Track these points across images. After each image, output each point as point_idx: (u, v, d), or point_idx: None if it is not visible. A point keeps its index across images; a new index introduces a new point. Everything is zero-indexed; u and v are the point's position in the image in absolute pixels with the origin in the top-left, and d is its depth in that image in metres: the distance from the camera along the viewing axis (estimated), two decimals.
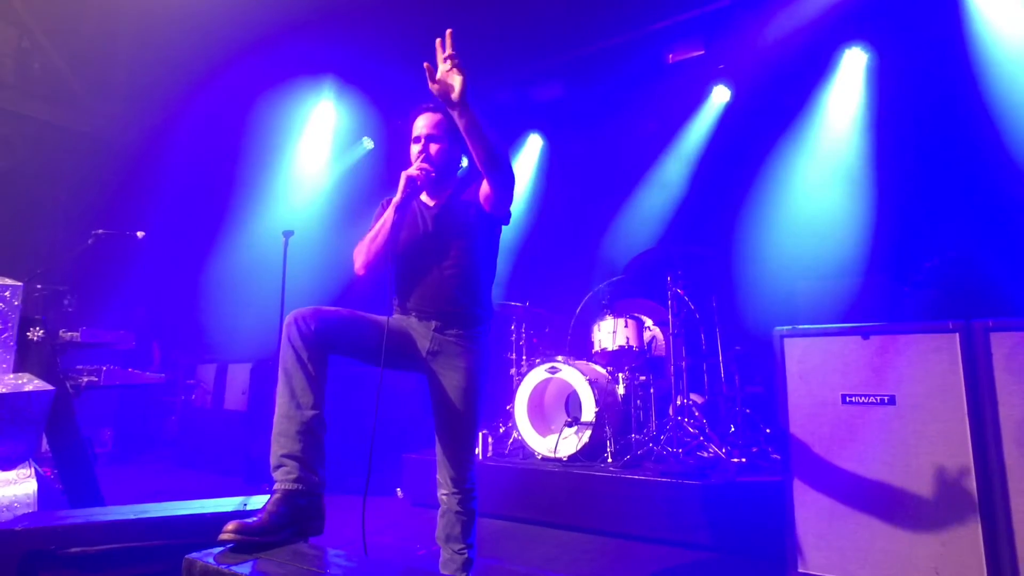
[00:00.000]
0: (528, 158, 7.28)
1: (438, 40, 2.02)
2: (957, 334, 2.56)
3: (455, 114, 2.05)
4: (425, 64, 2.02)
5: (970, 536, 2.43)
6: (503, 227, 2.45)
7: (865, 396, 2.70)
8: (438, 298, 2.29)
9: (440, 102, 2.25)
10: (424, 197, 2.45)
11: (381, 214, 2.38)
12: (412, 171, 2.26)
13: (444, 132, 2.36)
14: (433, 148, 2.35)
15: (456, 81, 2.00)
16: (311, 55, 6.44)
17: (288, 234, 5.25)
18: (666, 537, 3.61)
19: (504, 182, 2.23)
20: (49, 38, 6.58)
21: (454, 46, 2.01)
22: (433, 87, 2.02)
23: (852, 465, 2.68)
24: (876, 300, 4.82)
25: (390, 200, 2.32)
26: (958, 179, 4.76)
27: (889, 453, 2.61)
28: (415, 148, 2.37)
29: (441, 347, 2.28)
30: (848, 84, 5.53)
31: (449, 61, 2.01)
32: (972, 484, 2.45)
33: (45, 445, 3.13)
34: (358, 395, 4.74)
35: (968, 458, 2.47)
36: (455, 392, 2.26)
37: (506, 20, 5.79)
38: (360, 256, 2.33)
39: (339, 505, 2.46)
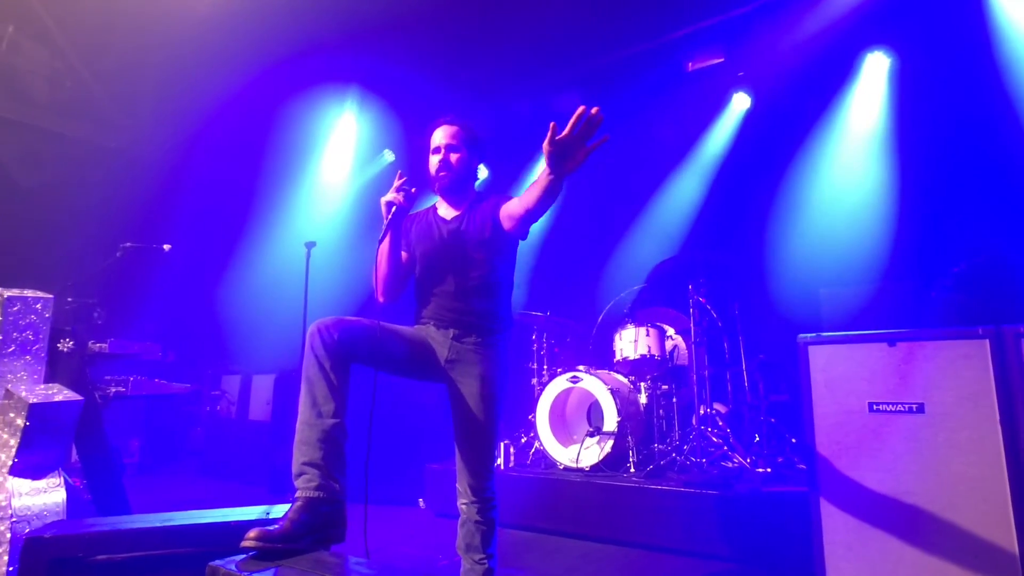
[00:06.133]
0: None
1: (583, 108, 1.84)
2: (987, 340, 2.49)
3: (550, 176, 2.00)
4: (552, 124, 1.88)
5: (1005, 546, 2.35)
6: (520, 241, 2.47)
7: (892, 404, 2.64)
8: (455, 307, 2.32)
9: (457, 116, 2.32)
10: (442, 210, 2.50)
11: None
12: (388, 196, 2.29)
13: (462, 142, 2.41)
14: (453, 157, 2.41)
15: (577, 160, 1.94)
16: (333, 70, 6.52)
17: (310, 245, 5.32)
18: (690, 548, 3.56)
19: (537, 219, 2.27)
20: (80, 58, 6.75)
21: (598, 129, 1.90)
22: (547, 147, 1.91)
23: (880, 474, 2.61)
24: (902, 306, 4.73)
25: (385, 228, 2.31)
26: (986, 182, 4.67)
27: (918, 462, 2.55)
28: (434, 159, 2.42)
29: (459, 355, 2.29)
30: (870, 88, 5.46)
31: (582, 136, 1.90)
32: (1006, 493, 2.37)
33: (75, 456, 3.19)
34: (381, 404, 4.77)
35: (1001, 467, 2.40)
36: (474, 400, 2.26)
37: (525, 31, 5.82)
38: (376, 287, 2.38)
39: (361, 513, 2.46)
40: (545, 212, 2.22)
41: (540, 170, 2.07)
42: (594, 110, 1.85)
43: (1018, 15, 4.67)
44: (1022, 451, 2.37)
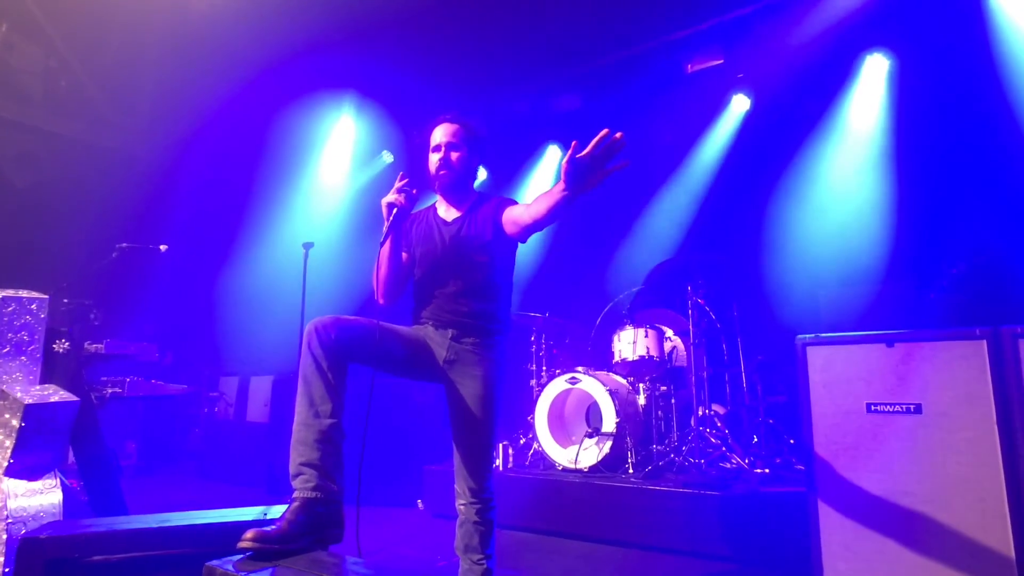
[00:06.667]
0: (546, 169, 7.29)
1: (606, 131, 1.85)
2: (985, 341, 2.49)
3: (564, 192, 1.99)
4: (574, 142, 1.89)
5: (1001, 546, 2.35)
6: (519, 243, 2.47)
7: (890, 405, 2.64)
8: (454, 308, 2.31)
9: (458, 115, 2.31)
10: (442, 211, 2.49)
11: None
12: (389, 197, 2.26)
13: (462, 140, 2.40)
14: (453, 155, 2.40)
15: (594, 180, 1.94)
16: (332, 70, 6.52)
17: (308, 246, 5.30)
18: (688, 548, 3.56)
19: (542, 229, 2.30)
20: (75, 56, 6.72)
21: (622, 153, 1.90)
22: (566, 164, 1.91)
23: (878, 475, 2.62)
24: (901, 307, 4.73)
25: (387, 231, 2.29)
26: (984, 184, 4.68)
27: (915, 462, 2.55)
28: (434, 157, 2.41)
29: (458, 356, 2.29)
30: (870, 90, 5.47)
31: (605, 156, 1.89)
32: (1002, 493, 2.37)
33: (72, 457, 3.17)
34: (380, 404, 4.76)
35: (998, 467, 2.40)
36: (472, 400, 2.26)
37: (525, 32, 5.82)
38: (376, 289, 2.37)
39: (361, 514, 2.45)
40: (551, 224, 2.23)
41: (555, 184, 2.06)
42: (618, 135, 1.86)
43: (1018, 16, 4.67)
44: (1018, 451, 2.37)
